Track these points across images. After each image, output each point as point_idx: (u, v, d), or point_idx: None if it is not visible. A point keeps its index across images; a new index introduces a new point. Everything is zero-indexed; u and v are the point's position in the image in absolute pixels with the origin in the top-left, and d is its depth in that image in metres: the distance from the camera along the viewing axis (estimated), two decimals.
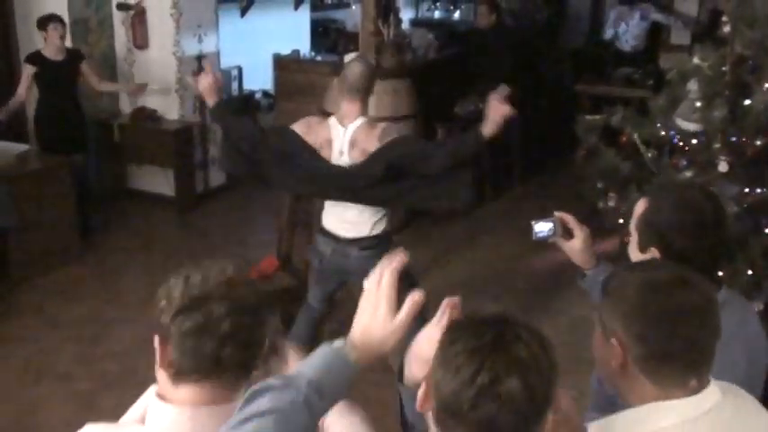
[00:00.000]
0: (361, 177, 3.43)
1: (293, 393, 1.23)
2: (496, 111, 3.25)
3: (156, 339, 1.40)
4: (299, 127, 3.57)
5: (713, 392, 1.41)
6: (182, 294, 1.37)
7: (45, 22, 5.59)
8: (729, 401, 1.44)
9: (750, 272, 3.44)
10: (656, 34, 8.30)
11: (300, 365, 1.31)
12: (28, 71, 5.62)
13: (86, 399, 3.97)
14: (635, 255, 1.91)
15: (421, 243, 5.68)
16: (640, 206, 1.91)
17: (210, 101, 3.60)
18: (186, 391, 1.38)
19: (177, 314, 1.36)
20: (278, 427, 1.19)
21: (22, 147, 5.59)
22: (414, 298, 1.33)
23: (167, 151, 6.43)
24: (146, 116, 6.52)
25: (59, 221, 5.47)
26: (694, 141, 3.48)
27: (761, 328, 1.93)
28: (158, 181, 6.69)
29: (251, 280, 1.42)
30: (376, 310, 1.32)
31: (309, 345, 3.93)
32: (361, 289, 1.38)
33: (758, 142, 3.34)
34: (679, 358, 1.37)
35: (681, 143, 3.58)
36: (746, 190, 3.40)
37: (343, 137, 3.49)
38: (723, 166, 3.27)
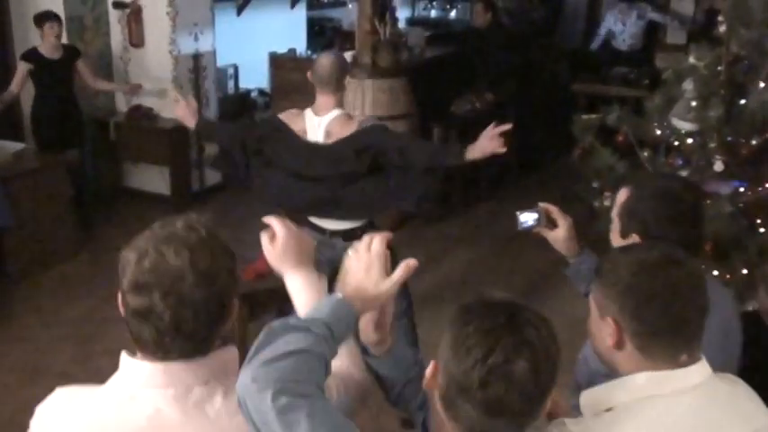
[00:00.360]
0: (336, 160, 3.45)
1: (316, 335, 1.26)
2: (488, 143, 3.29)
3: (119, 296, 1.42)
4: (282, 117, 3.66)
5: (703, 367, 1.46)
6: (131, 275, 1.36)
7: (41, 19, 5.57)
8: (724, 383, 1.50)
9: (745, 271, 3.46)
10: (652, 34, 8.32)
11: (311, 311, 1.35)
12: (23, 68, 5.61)
13: None
14: (616, 241, 1.97)
15: (416, 242, 5.68)
16: (622, 195, 1.98)
17: (191, 125, 3.79)
18: (146, 358, 1.40)
19: (126, 292, 1.37)
20: (308, 366, 1.22)
21: (18, 145, 5.58)
22: (408, 262, 1.38)
23: (163, 150, 6.43)
24: (142, 114, 6.51)
25: (55, 220, 5.46)
26: (690, 141, 3.49)
27: (735, 313, 2.01)
28: (154, 179, 6.68)
29: (204, 267, 1.35)
30: (368, 270, 1.37)
31: None
32: None
33: (753, 142, 3.36)
34: (671, 334, 1.43)
35: (676, 142, 3.58)
36: (742, 189, 3.41)
37: (318, 127, 3.53)
38: (718, 166, 3.28)
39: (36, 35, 5.71)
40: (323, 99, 3.53)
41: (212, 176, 6.99)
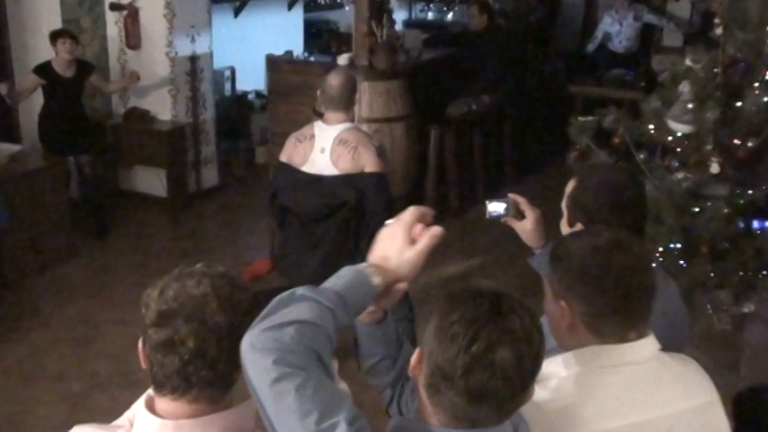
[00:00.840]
0: (330, 192, 3.58)
1: (323, 306, 1.26)
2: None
3: (140, 342, 1.41)
4: (287, 146, 3.74)
5: (651, 344, 1.54)
6: (155, 307, 1.37)
7: (55, 36, 5.61)
8: (673, 360, 1.58)
9: (741, 273, 3.46)
10: (647, 36, 8.33)
11: (328, 282, 1.34)
12: (34, 79, 5.63)
13: (78, 400, 3.96)
14: (565, 229, 2.05)
15: None
16: (570, 185, 2.05)
17: None
18: (165, 404, 1.39)
19: (149, 327, 1.37)
20: (313, 335, 1.22)
21: (15, 147, 5.58)
22: (434, 231, 1.39)
23: (159, 152, 6.41)
24: (138, 117, 6.50)
25: (52, 222, 5.45)
26: (686, 143, 3.50)
27: (680, 301, 2.12)
28: (150, 181, 6.67)
29: (225, 294, 1.37)
30: (394, 238, 1.38)
31: None
32: None
33: (749, 144, 3.36)
34: (620, 314, 1.50)
35: (673, 144, 3.59)
36: (737, 191, 3.42)
37: (328, 134, 3.60)
38: (715, 168, 3.28)
39: (32, 36, 5.71)
40: (333, 116, 3.64)
41: (209, 178, 7.00)
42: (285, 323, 1.21)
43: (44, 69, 5.63)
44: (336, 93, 3.59)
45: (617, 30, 8.14)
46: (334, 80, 3.62)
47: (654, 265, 1.64)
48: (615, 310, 1.49)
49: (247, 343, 1.22)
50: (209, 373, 1.35)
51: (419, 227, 1.39)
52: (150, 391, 1.43)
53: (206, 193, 6.92)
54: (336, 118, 3.63)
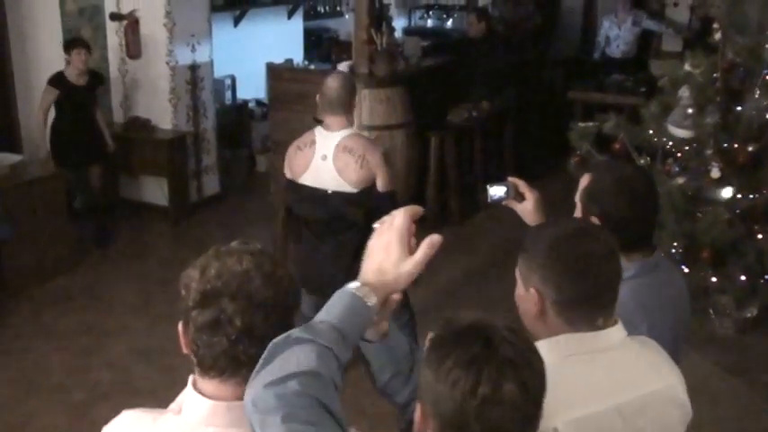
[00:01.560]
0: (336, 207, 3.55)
1: (321, 348, 1.21)
2: None
3: (180, 326, 1.39)
4: (289, 155, 3.69)
5: (618, 330, 1.58)
6: (197, 287, 1.34)
7: (69, 46, 5.62)
8: (638, 345, 1.63)
9: (744, 277, 3.46)
10: (645, 41, 8.33)
11: (322, 313, 1.28)
12: (51, 95, 5.64)
13: (80, 410, 3.96)
14: None
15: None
16: (584, 180, 2.11)
17: None
18: (213, 387, 1.36)
19: (192, 309, 1.34)
20: (318, 386, 1.18)
21: (16, 157, 5.59)
22: (432, 239, 1.33)
23: (161, 161, 6.43)
24: (139, 126, 6.52)
25: (53, 232, 5.45)
26: (686, 148, 3.50)
27: (685, 286, 2.17)
28: (152, 190, 6.68)
29: (268, 270, 1.34)
30: (389, 250, 1.31)
31: None
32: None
33: (750, 148, 3.36)
34: (588, 301, 1.54)
35: (673, 149, 3.59)
36: (738, 195, 3.42)
37: (329, 141, 3.53)
38: (715, 172, 3.29)
39: (33, 45, 5.72)
40: (333, 120, 3.56)
41: (210, 187, 7.00)
42: (286, 376, 1.17)
43: (59, 80, 5.66)
44: (335, 95, 3.52)
45: (615, 34, 8.15)
46: (332, 83, 3.56)
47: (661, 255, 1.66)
48: (583, 298, 1.52)
49: (249, 401, 1.18)
50: (258, 351, 1.28)
51: (412, 232, 1.33)
52: (194, 376, 1.40)
53: (207, 201, 6.92)
54: (337, 123, 3.54)
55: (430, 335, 1.28)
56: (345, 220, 3.56)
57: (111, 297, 5.24)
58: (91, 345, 4.61)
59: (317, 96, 3.61)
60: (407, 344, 1.58)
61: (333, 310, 1.27)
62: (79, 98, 5.68)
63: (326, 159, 3.52)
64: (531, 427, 1.24)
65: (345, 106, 3.54)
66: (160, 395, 1.43)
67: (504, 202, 2.24)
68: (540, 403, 1.23)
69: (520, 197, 2.24)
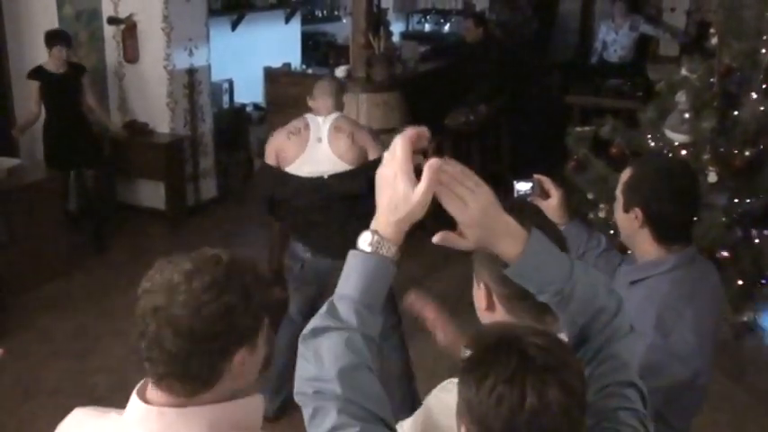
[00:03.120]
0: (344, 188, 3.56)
1: (350, 330, 1.24)
2: None
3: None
4: (276, 141, 3.70)
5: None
6: (143, 282, 1.35)
7: (52, 41, 5.59)
8: None
9: (740, 282, 3.46)
10: (643, 46, 8.35)
11: (341, 284, 1.29)
12: (34, 86, 5.64)
13: None
14: (620, 216, 2.18)
15: (414, 254, 5.66)
16: (626, 173, 2.16)
17: None
18: (150, 390, 1.38)
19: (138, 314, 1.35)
20: (350, 377, 1.23)
21: (13, 161, 5.58)
22: (431, 163, 1.29)
23: (158, 164, 6.42)
24: (136, 129, 6.52)
25: (49, 236, 5.45)
26: (683, 152, 3.50)
27: (719, 280, 2.22)
28: (149, 194, 6.68)
29: (197, 292, 1.30)
30: (395, 184, 1.30)
31: (291, 360, 3.91)
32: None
33: (746, 153, 3.37)
34: (530, 298, 1.51)
35: (670, 154, 3.59)
36: (735, 200, 3.42)
37: (322, 124, 3.61)
38: (712, 177, 3.29)
39: (30, 49, 5.72)
40: (324, 106, 3.65)
41: (208, 190, 7.00)
42: (327, 379, 1.22)
43: (37, 71, 5.66)
44: (329, 85, 3.69)
45: (612, 38, 8.16)
46: (323, 81, 3.77)
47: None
48: (525, 295, 1.51)
49: (295, 394, 1.26)
50: (169, 367, 1.30)
51: (410, 163, 1.30)
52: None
53: (205, 205, 6.92)
54: (327, 108, 3.64)
55: (463, 352, 1.27)
56: (346, 198, 3.56)
57: (108, 301, 5.22)
58: (88, 349, 4.60)
59: (308, 99, 3.72)
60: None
61: (350, 279, 1.28)
62: (62, 86, 5.66)
63: (322, 141, 3.58)
64: (581, 425, 1.24)
65: (336, 95, 3.68)
66: None
67: (529, 198, 2.32)
68: (584, 400, 1.24)
69: (545, 194, 2.32)
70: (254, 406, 1.40)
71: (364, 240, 1.29)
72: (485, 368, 1.22)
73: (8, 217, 5.07)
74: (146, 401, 1.37)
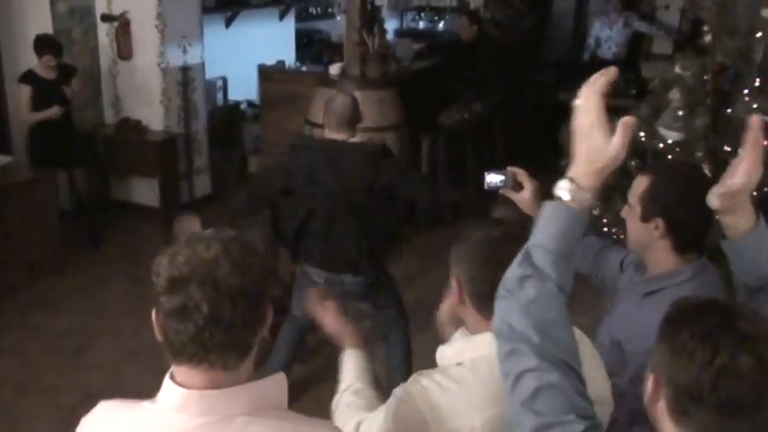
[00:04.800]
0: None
1: (548, 278, 1.34)
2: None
3: (153, 312, 1.38)
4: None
5: None
6: (166, 274, 1.34)
7: (40, 50, 5.52)
8: None
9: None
10: (636, 43, 8.36)
11: (539, 236, 1.38)
12: (25, 90, 5.59)
13: (70, 412, 3.93)
14: (635, 224, 2.12)
15: (406, 251, 5.69)
16: (643, 181, 2.11)
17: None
18: (183, 374, 1.37)
19: (161, 295, 1.34)
20: (551, 333, 1.33)
21: (6, 158, 5.56)
22: (625, 121, 1.34)
23: (152, 162, 6.41)
24: (130, 127, 6.50)
25: (43, 233, 5.44)
26: (677, 150, 3.51)
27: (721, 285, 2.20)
28: (143, 192, 6.67)
29: (237, 256, 1.34)
30: (590, 136, 1.34)
31: (293, 355, 3.92)
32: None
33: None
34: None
35: (663, 151, 3.60)
36: None
37: None
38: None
39: (24, 52, 5.69)
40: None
41: (201, 187, 6.99)
42: (527, 326, 1.32)
43: (28, 76, 5.62)
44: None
45: (606, 35, 8.16)
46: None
47: None
48: (493, 294, 1.56)
49: (496, 326, 1.39)
50: (225, 338, 1.32)
51: (603, 113, 1.35)
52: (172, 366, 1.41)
53: (199, 202, 6.91)
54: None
55: (666, 312, 1.34)
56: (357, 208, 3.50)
57: (101, 298, 5.22)
58: (81, 346, 4.60)
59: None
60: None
61: (548, 228, 1.37)
62: (51, 92, 5.62)
63: None
64: (764, 403, 1.24)
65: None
66: (151, 396, 1.43)
67: (501, 191, 2.26)
68: None
69: (518, 186, 2.27)
70: (281, 383, 1.44)
71: (562, 188, 1.36)
72: (684, 323, 1.28)
73: (1, 214, 5.06)
74: (181, 385, 1.36)
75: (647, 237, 2.09)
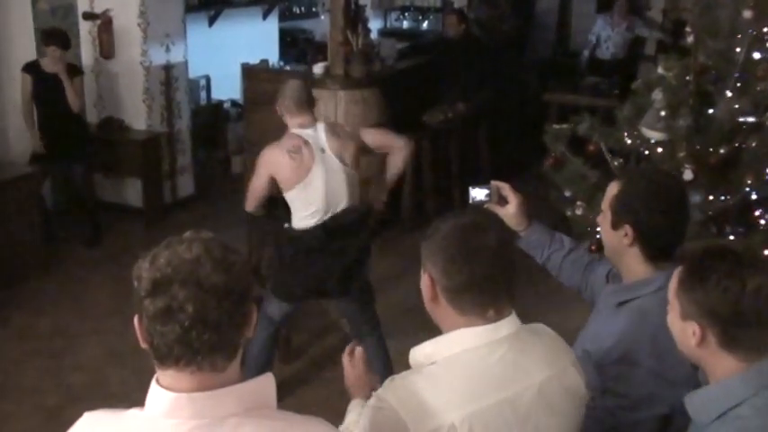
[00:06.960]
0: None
1: None
2: None
3: (136, 319, 1.37)
4: (274, 155, 3.62)
5: (511, 322, 1.65)
6: (148, 276, 1.32)
7: (47, 40, 5.55)
8: (531, 334, 1.70)
9: None
10: (635, 45, 8.35)
11: None
12: (25, 79, 5.59)
13: (53, 413, 3.91)
14: (607, 231, 2.10)
15: (390, 252, 5.68)
16: (614, 188, 2.09)
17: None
18: (170, 378, 1.35)
19: (144, 299, 1.32)
20: None
21: None
22: None
23: (135, 161, 6.38)
24: (113, 126, 6.46)
25: (24, 233, 5.39)
26: (660, 150, 3.53)
27: None
28: (126, 192, 6.63)
29: (218, 255, 1.33)
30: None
31: (267, 359, 3.89)
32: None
33: (722, 151, 3.40)
34: (475, 290, 1.60)
35: (646, 152, 3.62)
36: (711, 197, 3.45)
37: (316, 134, 3.62)
38: (688, 174, 3.31)
39: (5, 49, 5.66)
40: (303, 118, 3.65)
41: (185, 188, 6.96)
42: None
43: (31, 66, 5.64)
44: (305, 95, 3.65)
45: (607, 34, 8.13)
46: (294, 83, 3.71)
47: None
48: (467, 286, 1.58)
49: None
50: (212, 338, 1.30)
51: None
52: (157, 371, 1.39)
53: (182, 202, 6.88)
54: (311, 119, 3.67)
55: (682, 269, 1.62)
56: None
57: (84, 299, 5.18)
58: (63, 347, 4.57)
59: (279, 103, 3.67)
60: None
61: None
62: (49, 85, 5.60)
63: (326, 151, 3.61)
64: None
65: (310, 102, 3.69)
66: (134, 397, 1.42)
67: (485, 206, 2.24)
68: None
69: (503, 201, 2.26)
70: (270, 383, 1.43)
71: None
72: (705, 270, 1.55)
73: None
74: (169, 390, 1.34)
75: (618, 244, 2.06)
